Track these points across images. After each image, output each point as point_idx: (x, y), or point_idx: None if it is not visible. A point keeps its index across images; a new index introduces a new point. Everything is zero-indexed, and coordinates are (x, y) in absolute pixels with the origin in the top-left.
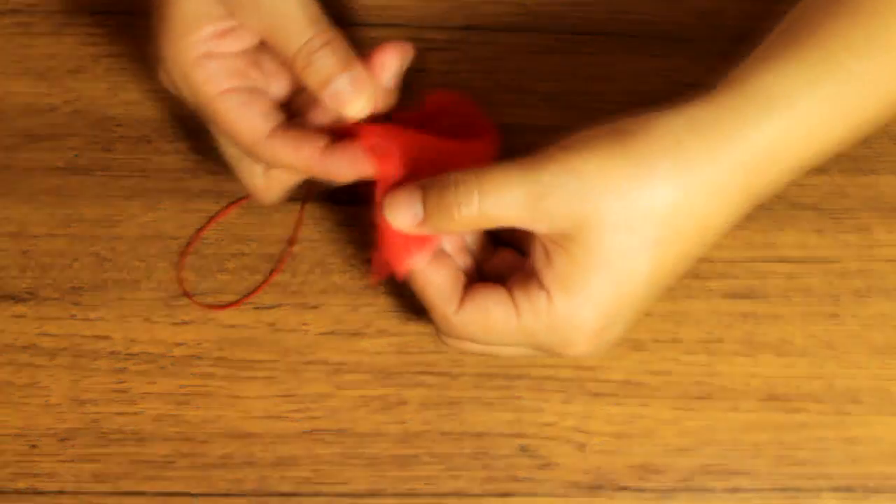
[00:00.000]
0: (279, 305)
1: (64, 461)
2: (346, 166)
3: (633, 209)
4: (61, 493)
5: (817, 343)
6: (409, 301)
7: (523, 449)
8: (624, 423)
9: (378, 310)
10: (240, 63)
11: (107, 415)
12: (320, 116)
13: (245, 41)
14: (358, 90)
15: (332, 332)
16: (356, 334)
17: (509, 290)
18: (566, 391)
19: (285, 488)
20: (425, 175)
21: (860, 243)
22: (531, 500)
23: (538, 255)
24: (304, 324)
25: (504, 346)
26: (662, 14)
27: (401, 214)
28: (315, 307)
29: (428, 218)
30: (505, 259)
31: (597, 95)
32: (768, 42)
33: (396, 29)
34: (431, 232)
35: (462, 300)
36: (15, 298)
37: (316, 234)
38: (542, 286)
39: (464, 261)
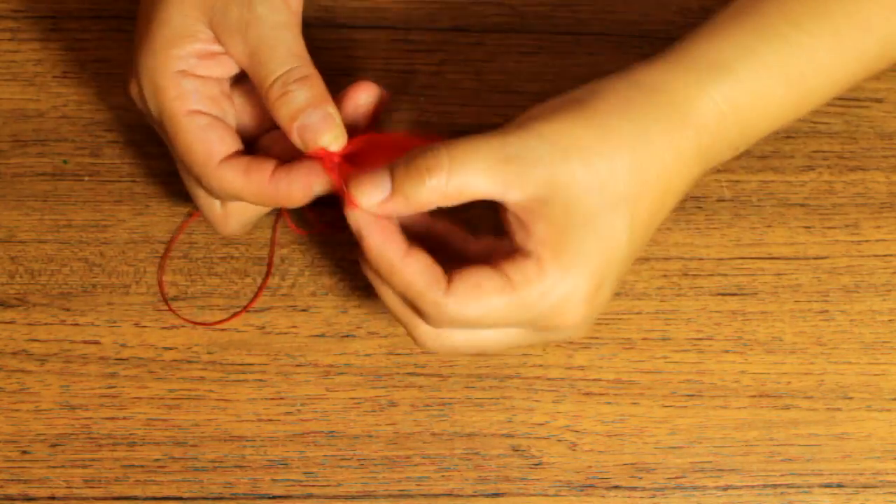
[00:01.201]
0: (269, 308)
1: (55, 467)
2: (296, 189)
3: (599, 168)
4: (53, 498)
5: (807, 340)
6: None
7: (515, 449)
8: (615, 422)
9: (368, 312)
10: (213, 89)
11: (97, 420)
12: (281, 155)
13: (224, 69)
14: (327, 127)
15: (322, 335)
16: (346, 336)
17: (495, 267)
18: (557, 391)
19: (277, 491)
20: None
21: (849, 240)
22: (523, 499)
23: (515, 229)
24: (294, 326)
25: (498, 327)
26: (649, 13)
27: (368, 191)
28: (305, 310)
29: (397, 190)
30: (485, 244)
31: None
32: (712, 17)
33: (383, 31)
34: (401, 207)
35: (449, 282)
36: (4, 304)
37: (305, 237)
38: (528, 254)
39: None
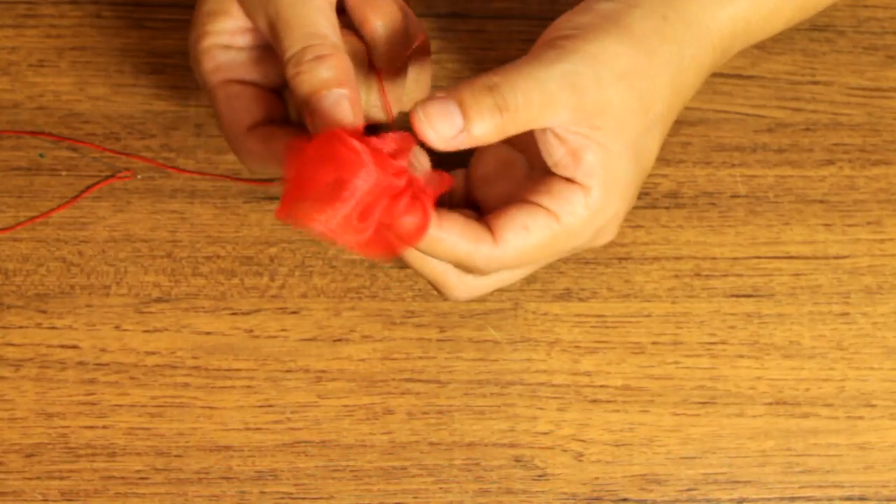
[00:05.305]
0: (257, 311)
1: (30, 478)
2: None
3: (644, 91)
4: None
5: (827, 344)
6: (394, 304)
7: (517, 460)
8: (623, 431)
9: (362, 314)
10: (255, 53)
11: (75, 429)
12: None
13: (259, 39)
14: (338, 113)
15: (313, 339)
16: (339, 340)
17: (538, 203)
18: (562, 398)
19: None
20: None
21: (871, 238)
22: None
23: (561, 156)
24: (283, 330)
25: (544, 261)
26: None
27: (439, 125)
28: (295, 312)
29: (468, 129)
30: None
31: None
32: None
33: None
34: (467, 144)
35: (494, 231)
36: None
37: (295, 235)
38: (572, 184)
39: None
